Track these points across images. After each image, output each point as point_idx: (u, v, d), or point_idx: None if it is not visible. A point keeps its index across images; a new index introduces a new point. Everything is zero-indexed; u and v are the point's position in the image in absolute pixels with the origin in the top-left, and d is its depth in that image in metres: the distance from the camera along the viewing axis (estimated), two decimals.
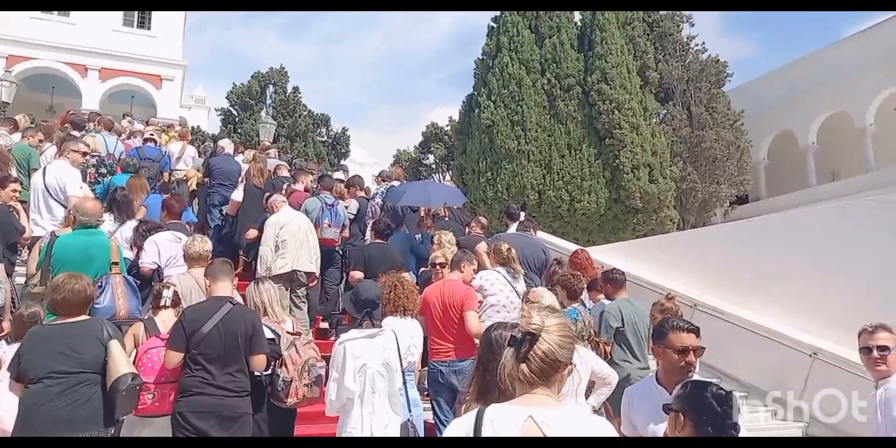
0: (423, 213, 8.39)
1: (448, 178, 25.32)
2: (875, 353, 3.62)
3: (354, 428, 3.75)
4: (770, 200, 22.86)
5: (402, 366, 3.97)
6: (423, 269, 6.79)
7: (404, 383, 3.99)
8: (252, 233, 6.96)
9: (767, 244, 8.39)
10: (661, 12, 20.03)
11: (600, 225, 17.20)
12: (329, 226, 7.41)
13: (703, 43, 20.27)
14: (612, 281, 6.14)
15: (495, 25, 18.69)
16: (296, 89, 30.52)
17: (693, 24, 20.53)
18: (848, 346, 6.92)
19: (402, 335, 4.20)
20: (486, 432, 1.72)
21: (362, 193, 9.04)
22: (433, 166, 30.23)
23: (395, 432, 3.78)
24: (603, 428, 1.81)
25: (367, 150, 36.39)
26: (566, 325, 1.87)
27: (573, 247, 11.01)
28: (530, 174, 16.92)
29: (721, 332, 8.28)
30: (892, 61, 20.23)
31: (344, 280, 7.45)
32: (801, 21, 47.01)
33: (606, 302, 6.13)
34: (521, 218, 8.00)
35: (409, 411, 4.00)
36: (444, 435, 1.86)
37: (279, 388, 4.01)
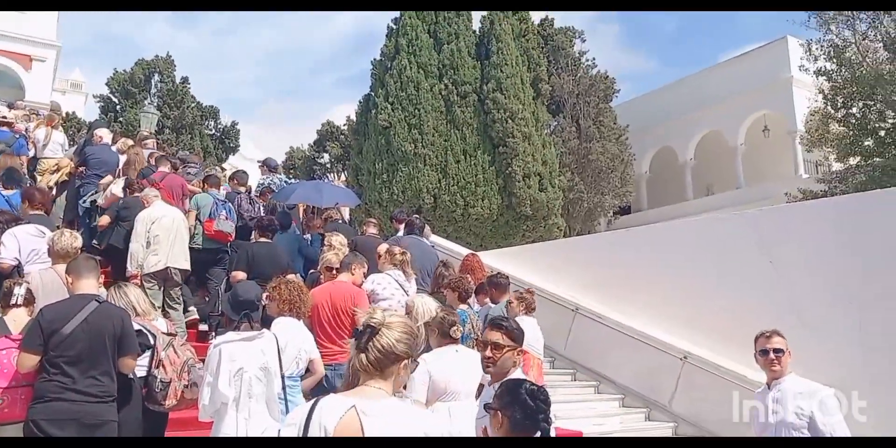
0: (304, 212, 8.17)
1: (343, 178, 24.98)
2: (771, 355, 3.90)
3: (228, 434, 3.56)
4: (651, 211, 24.18)
5: (281, 370, 3.80)
6: (311, 270, 6.60)
7: (283, 388, 3.83)
8: (104, 219, 6.50)
9: (645, 253, 8.76)
10: (556, 26, 20.76)
11: (492, 230, 17.53)
12: (226, 218, 7.04)
13: (594, 59, 21.25)
14: (497, 285, 6.30)
15: (395, 27, 18.65)
16: (185, 80, 29.05)
17: (584, 40, 21.45)
18: (715, 351, 7.41)
19: (295, 338, 4.07)
20: (314, 420, 1.87)
21: (243, 189, 8.59)
22: (328, 165, 29.72)
23: None
24: (420, 421, 1.95)
25: (257, 146, 35.24)
26: (408, 324, 2.04)
27: (465, 251, 11.13)
28: (426, 178, 16.98)
29: (600, 336, 8.61)
30: (760, 87, 22.01)
31: (225, 280, 7.10)
32: (692, 41, 50.36)
33: (492, 305, 6.25)
34: (416, 222, 7.94)
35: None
36: (284, 423, 2.00)
37: (157, 390, 3.77)
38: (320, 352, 4.71)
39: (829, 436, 3.63)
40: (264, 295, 4.32)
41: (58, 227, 5.72)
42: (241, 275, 5.88)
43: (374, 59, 19.10)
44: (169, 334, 4.11)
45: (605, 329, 8.57)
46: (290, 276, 4.88)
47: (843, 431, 3.70)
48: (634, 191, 22.72)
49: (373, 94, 18.58)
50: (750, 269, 7.48)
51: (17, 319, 3.82)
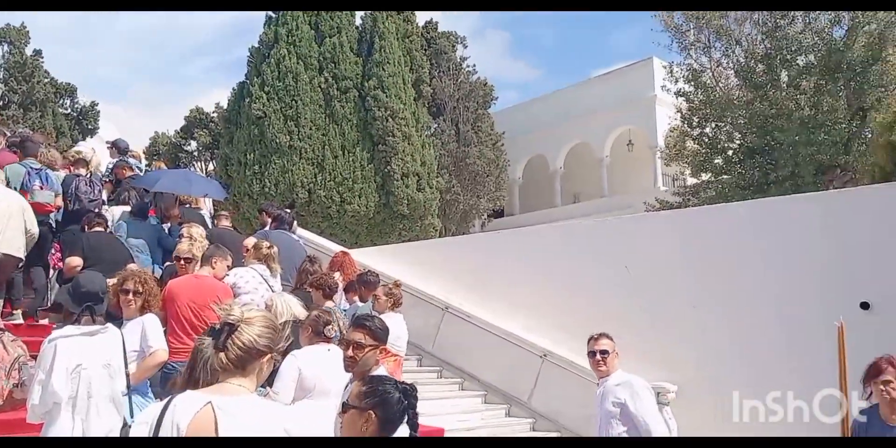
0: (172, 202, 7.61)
1: (211, 167, 23.82)
2: (598, 356, 4.22)
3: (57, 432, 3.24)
4: (522, 216, 25.04)
5: (125, 367, 3.51)
6: (167, 263, 6.18)
7: (127, 386, 3.54)
8: None
9: (514, 255, 9.02)
10: (439, 30, 21.00)
11: (368, 228, 17.40)
12: (41, 188, 6.32)
13: (475, 65, 21.70)
14: (367, 283, 6.23)
15: (274, 16, 18.03)
16: (37, 52, 26.47)
17: (466, 46, 21.85)
18: (574, 350, 7.74)
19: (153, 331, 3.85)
20: (167, 418, 1.81)
21: (83, 171, 7.69)
22: (195, 154, 28.19)
23: None
24: (280, 417, 1.91)
25: (120, 129, 32.71)
26: (268, 317, 1.99)
27: (338, 248, 10.94)
28: (301, 172, 16.55)
29: (467, 335, 8.76)
30: (625, 104, 23.45)
31: (57, 271, 6.43)
32: (571, 54, 52.62)
33: (360, 304, 6.16)
34: (286, 216, 7.66)
35: (132, 417, 3.55)
36: (135, 421, 1.91)
37: None
38: (174, 348, 4.42)
39: (638, 413, 4.01)
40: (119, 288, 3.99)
41: None
42: (76, 261, 5.39)
43: (252, 47, 18.37)
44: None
45: (471, 328, 8.73)
46: (133, 266, 4.54)
47: (652, 415, 4.07)
48: (508, 195, 23.44)
49: (248, 82, 17.85)
50: (608, 273, 7.90)
51: None
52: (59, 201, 6.68)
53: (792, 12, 15.48)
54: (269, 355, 1.95)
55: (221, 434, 1.80)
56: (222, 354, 1.89)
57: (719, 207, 9.26)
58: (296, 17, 17.48)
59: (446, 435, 6.88)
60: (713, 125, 17.57)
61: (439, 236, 18.19)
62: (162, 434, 1.80)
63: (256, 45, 18.23)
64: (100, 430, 3.35)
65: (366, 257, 10.16)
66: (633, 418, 4.08)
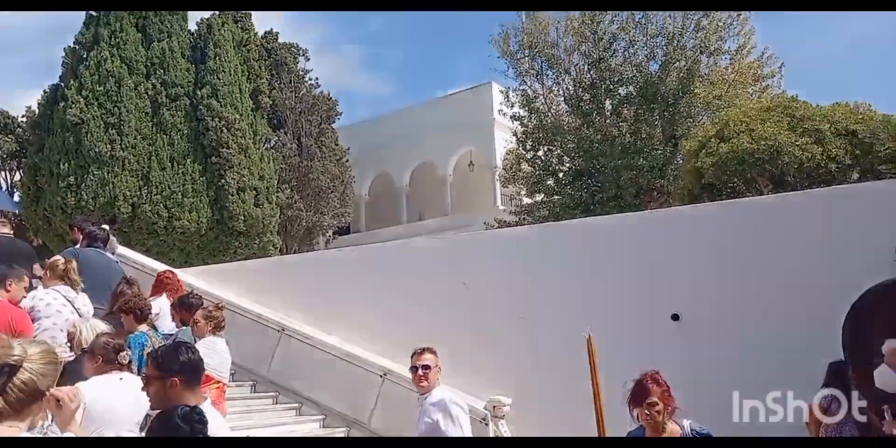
0: None
1: (17, 178, 21.23)
2: (420, 371, 4.19)
3: None
4: (368, 233, 24.90)
5: None
6: None
7: None
8: None
9: (354, 273, 8.86)
10: (280, 41, 20.46)
11: (200, 246, 16.33)
12: None
13: (317, 78, 21.36)
14: (188, 306, 5.77)
15: (96, 14, 16.57)
16: None
17: (309, 59, 21.47)
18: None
19: None
20: None
21: None
22: None
23: None
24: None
25: None
26: (49, 352, 1.90)
27: (163, 267, 10.14)
28: (124, 184, 15.21)
29: (305, 357, 8.41)
30: (467, 125, 24.26)
31: None
32: (425, 73, 53.53)
33: (183, 328, 5.70)
34: (99, 233, 6.93)
35: None
36: None
37: None
38: None
39: (447, 434, 4.01)
40: None
41: None
42: None
43: (68, 48, 16.72)
44: None
45: (309, 349, 8.41)
46: None
47: (459, 430, 4.07)
48: (354, 212, 23.23)
49: (62, 85, 16.19)
50: (447, 290, 7.98)
51: None
52: None
53: (614, 46, 16.88)
54: (47, 394, 1.87)
55: None
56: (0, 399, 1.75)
57: (548, 226, 9.73)
58: (120, 17, 16.16)
59: None
60: (545, 149, 18.60)
61: (280, 254, 17.53)
62: None
63: (73, 46, 16.63)
64: None
65: (196, 278, 9.51)
66: (443, 435, 4.06)
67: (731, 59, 16.97)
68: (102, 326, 4.20)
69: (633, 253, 7.17)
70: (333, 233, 22.66)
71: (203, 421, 2.17)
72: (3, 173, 24.91)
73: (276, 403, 8.40)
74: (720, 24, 16.46)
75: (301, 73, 20.76)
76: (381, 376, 7.90)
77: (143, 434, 2.22)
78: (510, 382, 7.23)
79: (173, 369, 2.78)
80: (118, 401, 3.49)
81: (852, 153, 9.83)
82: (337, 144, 21.11)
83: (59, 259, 4.96)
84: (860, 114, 10.53)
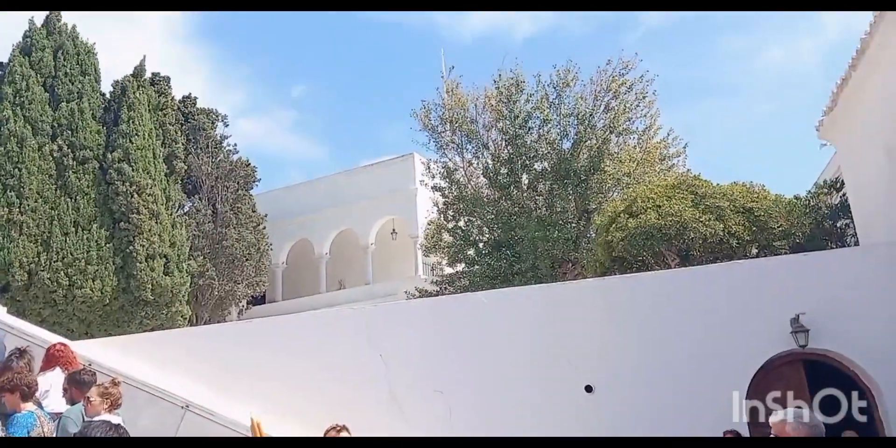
0: None
1: None
2: None
3: None
4: (285, 302, 24.13)
5: None
6: None
7: None
8: None
9: (267, 344, 8.56)
10: (198, 106, 20.33)
11: (103, 316, 15.40)
12: None
13: (236, 144, 21.25)
14: (80, 382, 5.37)
15: (0, 73, 16.05)
16: None
17: (228, 125, 21.37)
18: None
19: None
20: None
21: None
22: None
23: None
24: None
25: None
26: None
27: (57, 339, 9.44)
28: (21, 250, 14.33)
29: (212, 435, 7.91)
30: (389, 194, 24.45)
31: None
32: (351, 141, 53.99)
33: (75, 406, 5.27)
34: None
35: None
36: None
37: None
38: None
39: None
40: None
41: None
42: None
43: None
44: None
45: (215, 427, 7.89)
46: None
47: None
48: (270, 281, 22.57)
49: None
50: (362, 361, 7.79)
51: None
52: None
53: (529, 123, 17.68)
54: None
55: None
56: None
57: (464, 296, 9.77)
58: (27, 76, 15.68)
59: None
60: (465, 219, 18.89)
61: (189, 325, 16.69)
62: None
63: None
64: None
65: (94, 351, 8.89)
66: None
67: (638, 139, 18.02)
68: None
69: (547, 323, 7.28)
70: (248, 302, 21.88)
71: None
72: None
73: None
74: (627, 105, 17.58)
75: (219, 138, 20.57)
76: None
77: None
78: None
79: None
80: None
81: (750, 230, 10.46)
82: (254, 211, 20.75)
83: None
84: (755, 192, 11.31)
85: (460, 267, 19.50)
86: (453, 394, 7.27)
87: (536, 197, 17.52)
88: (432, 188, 19.40)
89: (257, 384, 8.24)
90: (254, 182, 21.17)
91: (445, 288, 18.84)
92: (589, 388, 6.78)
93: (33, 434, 4.43)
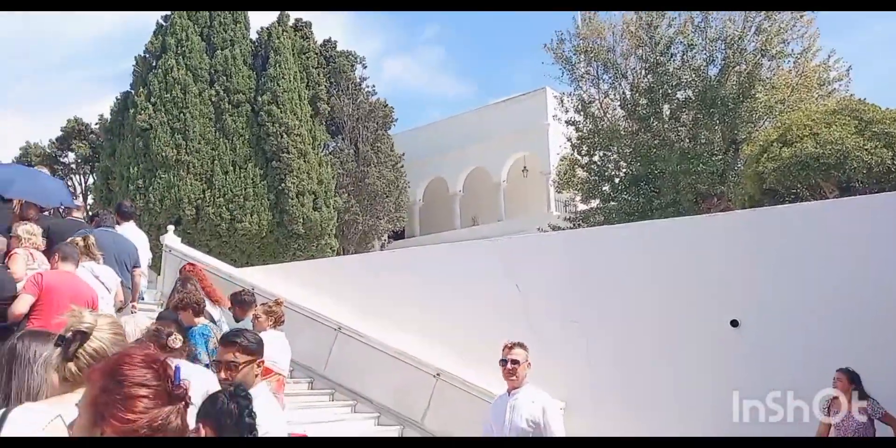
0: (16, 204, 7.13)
1: (91, 181, 22.34)
2: (509, 365, 4.22)
3: None
4: (423, 238, 25.06)
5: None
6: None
7: None
8: None
9: (408, 275, 8.97)
10: (338, 49, 20.92)
11: (261, 247, 16.83)
12: None
13: (374, 86, 21.77)
14: (242, 302, 6.14)
15: (164, 24, 17.34)
16: None
17: (366, 67, 21.89)
18: (469, 367, 7.75)
19: None
20: (6, 432, 1.71)
21: None
22: (73, 166, 26.39)
23: None
24: None
25: None
26: (116, 322, 1.95)
27: (225, 267, 10.50)
28: (189, 187, 15.83)
29: (360, 356, 8.56)
30: (521, 131, 24.20)
31: None
32: (509, 70, 53.61)
33: (237, 323, 5.98)
34: (105, 215, 7.35)
35: None
36: None
37: None
38: None
39: (551, 434, 4.07)
40: None
41: None
42: None
43: (138, 56, 17.55)
44: None
45: (365, 348, 8.54)
46: None
47: (560, 432, 4.13)
48: (408, 217, 23.45)
49: (133, 92, 17.00)
50: (498, 293, 7.99)
51: None
52: None
53: (671, 49, 16.61)
54: None
55: None
56: (71, 364, 1.79)
57: (602, 229, 9.65)
58: (185, 27, 16.88)
59: None
60: (601, 154, 18.40)
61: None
62: None
63: (143, 54, 17.44)
64: None
65: (255, 277, 9.82)
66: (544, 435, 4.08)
67: (794, 63, 16.47)
68: (147, 321, 4.38)
69: (690, 256, 7.05)
70: (388, 237, 22.94)
71: (248, 397, 2.20)
72: (78, 176, 26.23)
73: (333, 400, 8.57)
74: (782, 26, 16.01)
75: (358, 80, 21.19)
76: (433, 376, 7.97)
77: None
78: (564, 385, 7.17)
79: (258, 352, 2.88)
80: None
81: None
82: (392, 150, 21.42)
83: (77, 238, 5.15)
84: None
85: (594, 203, 19.18)
86: (590, 325, 7.32)
87: (679, 128, 16.65)
88: (565, 123, 18.96)
89: (401, 310, 8.73)
90: (391, 122, 21.74)
91: (579, 224, 18.66)
92: (735, 323, 6.58)
93: (210, 343, 4.88)
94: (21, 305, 4.12)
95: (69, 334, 1.83)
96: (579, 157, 19.02)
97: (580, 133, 18.62)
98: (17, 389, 2.23)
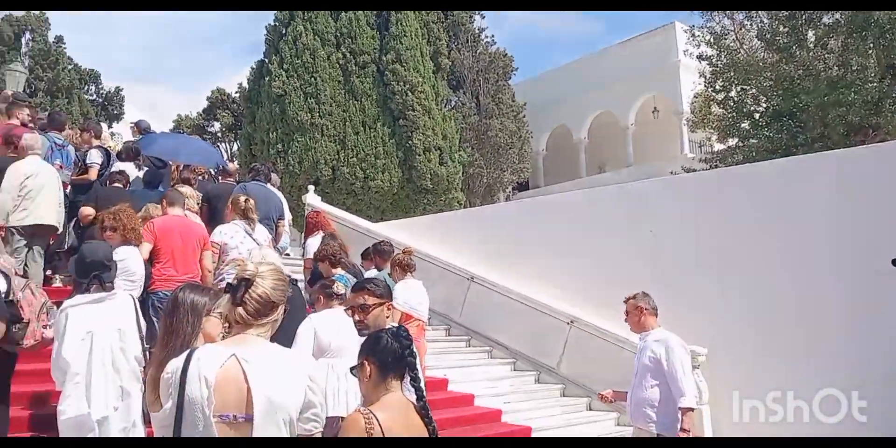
0: (174, 170, 7.91)
1: (235, 148, 24.03)
2: (625, 315, 4.74)
3: (71, 400, 3.40)
4: (547, 188, 24.86)
5: (140, 331, 3.65)
6: None
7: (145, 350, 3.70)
8: None
9: (535, 224, 9.03)
10: None
11: (393, 204, 17.52)
12: (61, 167, 6.61)
13: (493, 36, 21.43)
14: (381, 252, 6.65)
15: None
16: (59, 39, 26.84)
17: (484, 17, 21.58)
18: (599, 315, 7.79)
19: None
20: (192, 372, 1.90)
21: (97, 142, 7.93)
22: (219, 134, 28.53)
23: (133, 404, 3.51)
24: (302, 365, 2.05)
25: (145, 114, 33.24)
26: (278, 270, 2.10)
27: (363, 222, 11.11)
28: (324, 149, 16.68)
29: (493, 304, 8.85)
30: (648, 71, 23.01)
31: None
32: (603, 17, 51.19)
33: (378, 272, 6.40)
34: (261, 168, 7.83)
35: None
36: (165, 371, 2.00)
37: (14, 330, 3.55)
38: (167, 277, 4.90)
39: (671, 370, 4.38)
40: (100, 225, 4.48)
41: None
42: (87, 210, 5.82)
43: (269, 25, 18.42)
44: (24, 276, 3.94)
45: (497, 296, 8.81)
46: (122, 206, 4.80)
47: (683, 373, 4.36)
48: (532, 167, 23.29)
49: (266, 60, 17.95)
50: (631, 239, 7.87)
51: None
52: (94, 173, 6.90)
53: None
54: (281, 307, 2.06)
55: (252, 385, 1.89)
56: (240, 309, 1.98)
57: (742, 168, 9.13)
58: None
59: (476, 401, 7.04)
60: (738, 89, 17.17)
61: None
62: (189, 387, 1.88)
63: (273, 23, 18.28)
64: (116, 392, 3.49)
65: (390, 230, 10.30)
66: (666, 374, 4.36)
67: None
68: (275, 255, 4.76)
69: (845, 193, 6.52)
70: (513, 188, 22.99)
71: (409, 337, 2.31)
72: (224, 144, 28.36)
73: (469, 346, 8.96)
74: None
75: (477, 31, 21.00)
76: (567, 323, 8.09)
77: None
78: (702, 332, 7.01)
79: (386, 295, 3.16)
80: (341, 330, 4.04)
81: None
82: (514, 101, 21.20)
83: (240, 196, 5.57)
84: None
85: (732, 142, 18.06)
86: (728, 272, 7.06)
87: (826, 56, 15.15)
88: (698, 58, 17.79)
89: (531, 258, 8.86)
90: (512, 72, 21.46)
91: (716, 165, 17.67)
92: None
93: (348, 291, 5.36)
94: (143, 252, 4.74)
95: (235, 282, 2.01)
96: (714, 94, 17.86)
97: (714, 67, 17.42)
98: (177, 332, 2.58)
